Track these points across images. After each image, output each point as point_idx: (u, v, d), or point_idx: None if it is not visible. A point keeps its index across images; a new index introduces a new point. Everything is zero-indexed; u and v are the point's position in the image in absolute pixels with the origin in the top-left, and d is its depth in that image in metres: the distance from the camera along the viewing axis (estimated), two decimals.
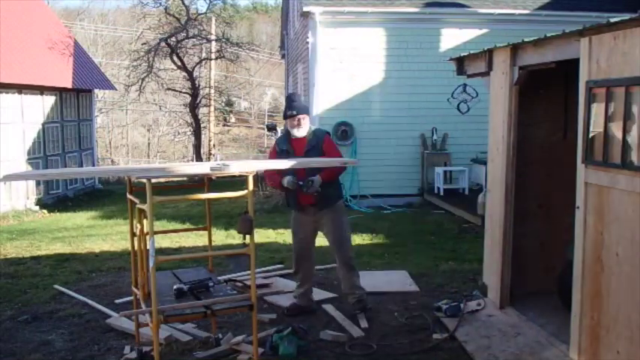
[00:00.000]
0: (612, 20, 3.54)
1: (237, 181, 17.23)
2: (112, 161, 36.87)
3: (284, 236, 9.45)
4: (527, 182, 5.34)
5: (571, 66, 4.21)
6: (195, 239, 9.32)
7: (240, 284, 6.20)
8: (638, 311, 3.42)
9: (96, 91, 23.60)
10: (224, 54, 23.31)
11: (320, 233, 5.52)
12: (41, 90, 18.40)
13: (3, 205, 16.33)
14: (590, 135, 3.89)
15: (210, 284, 4.32)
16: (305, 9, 11.96)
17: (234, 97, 41.80)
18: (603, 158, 3.75)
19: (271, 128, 47.94)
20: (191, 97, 23.19)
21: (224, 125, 43.37)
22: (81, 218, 14.07)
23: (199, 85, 24.22)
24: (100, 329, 5.31)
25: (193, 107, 23.30)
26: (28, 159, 17.77)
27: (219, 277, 5.16)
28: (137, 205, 4.13)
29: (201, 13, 23.48)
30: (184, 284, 4.28)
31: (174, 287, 4.23)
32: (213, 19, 25.49)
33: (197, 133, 23.75)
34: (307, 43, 12.51)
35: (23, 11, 20.00)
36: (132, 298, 5.03)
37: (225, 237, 9.49)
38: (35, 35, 19.57)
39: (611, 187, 3.66)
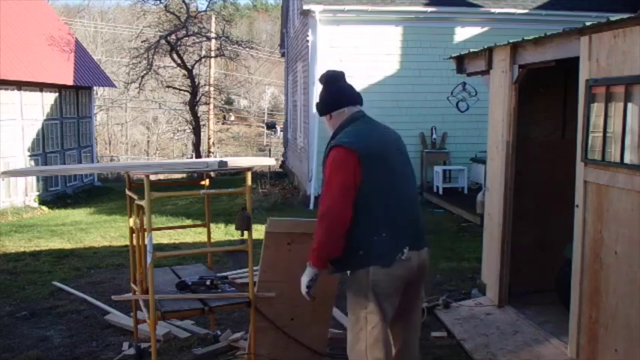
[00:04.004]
0: (612, 19, 3.54)
1: (237, 180, 17.25)
2: (112, 159, 36.87)
3: None
4: (526, 181, 5.34)
5: (571, 64, 4.22)
6: (194, 236, 9.33)
7: (239, 281, 6.21)
8: (637, 309, 3.43)
9: (95, 88, 23.59)
10: (224, 52, 23.30)
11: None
12: (41, 87, 18.39)
13: (2, 202, 16.33)
14: (590, 133, 3.90)
15: (208, 282, 4.30)
16: (305, 7, 11.94)
17: (233, 95, 41.81)
18: (602, 157, 3.75)
19: (271, 127, 47.77)
20: (191, 95, 23.18)
21: (223, 123, 43.40)
22: (80, 215, 14.06)
23: (199, 83, 24.22)
24: (99, 325, 5.31)
25: (193, 105, 23.30)
26: (27, 156, 17.76)
27: (217, 275, 5.16)
28: (136, 202, 4.13)
29: (201, 11, 23.49)
30: (189, 280, 4.27)
31: (177, 282, 4.24)
32: (213, 16, 25.48)
33: (196, 131, 23.75)
34: (307, 41, 12.50)
35: (24, 8, 19.98)
36: (130, 295, 5.03)
37: (224, 234, 9.49)
38: (35, 32, 19.55)
39: (610, 186, 3.66)
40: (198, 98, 23.63)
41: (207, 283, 4.22)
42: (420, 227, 3.31)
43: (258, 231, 9.33)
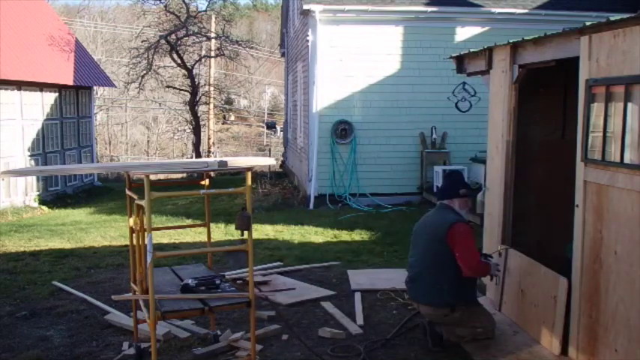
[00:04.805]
0: (612, 19, 3.54)
1: (237, 180, 17.25)
2: (112, 159, 36.88)
3: (282, 234, 9.46)
4: (526, 181, 5.34)
5: (571, 64, 4.21)
6: (194, 236, 9.33)
7: (239, 281, 6.22)
8: (637, 309, 3.43)
9: (95, 88, 23.59)
10: (224, 52, 23.31)
11: None
12: (40, 87, 18.39)
13: (2, 202, 16.33)
14: (590, 133, 3.90)
15: (217, 281, 4.31)
16: (305, 7, 11.94)
17: (233, 95, 41.82)
18: (602, 156, 3.75)
19: (270, 126, 47.72)
20: (190, 94, 23.19)
21: (223, 123, 43.41)
22: (80, 215, 14.06)
23: (199, 83, 24.23)
24: (99, 325, 5.31)
25: (193, 105, 23.30)
26: (27, 156, 17.76)
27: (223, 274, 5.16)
28: (136, 201, 4.13)
29: (201, 11, 23.50)
30: (192, 280, 4.27)
31: (181, 284, 4.25)
32: (213, 16, 25.50)
33: (196, 130, 23.76)
34: (307, 41, 12.50)
35: (24, 8, 19.99)
36: (130, 295, 5.03)
37: (224, 234, 9.49)
38: (35, 32, 19.55)
39: (610, 186, 3.66)
40: (198, 98, 23.64)
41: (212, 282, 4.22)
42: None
43: (258, 231, 9.34)
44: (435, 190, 11.88)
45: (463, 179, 4.98)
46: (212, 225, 5.83)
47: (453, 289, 4.49)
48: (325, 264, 7.32)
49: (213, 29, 25.51)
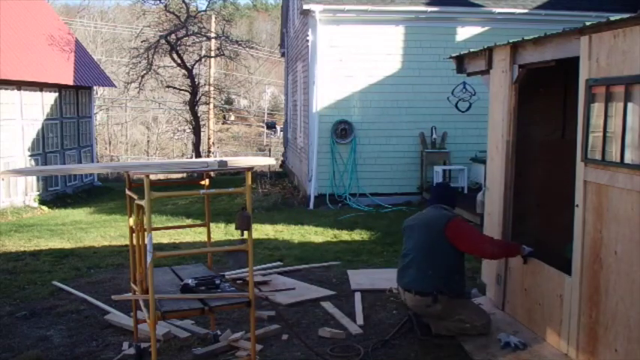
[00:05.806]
0: (612, 19, 3.54)
1: (237, 180, 17.26)
2: (112, 159, 36.89)
3: (282, 234, 9.46)
4: (526, 181, 5.34)
5: (571, 64, 4.22)
6: (194, 236, 9.33)
7: (239, 281, 6.22)
8: (637, 309, 3.43)
9: (95, 88, 23.58)
10: (224, 52, 23.31)
11: None
12: (41, 87, 18.38)
13: (2, 202, 16.32)
14: (590, 133, 3.90)
15: (217, 281, 4.30)
16: (305, 7, 11.95)
17: (233, 95, 41.83)
18: (602, 156, 3.75)
19: (271, 126, 47.69)
20: (190, 94, 23.20)
21: (223, 123, 43.41)
22: (80, 215, 14.07)
23: (199, 83, 24.23)
24: (99, 325, 5.31)
25: (193, 105, 23.31)
26: (27, 156, 17.76)
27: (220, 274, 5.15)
28: (136, 201, 4.13)
29: (201, 11, 23.51)
30: (192, 280, 4.26)
31: (181, 284, 4.25)
32: (213, 16, 25.50)
33: (196, 130, 23.76)
34: (307, 41, 12.50)
35: (24, 8, 19.98)
36: (130, 295, 5.02)
37: (224, 234, 9.49)
38: (35, 32, 19.54)
39: (610, 186, 3.66)
40: (198, 98, 23.65)
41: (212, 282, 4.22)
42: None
43: (258, 231, 9.34)
44: None
45: (453, 192, 5.57)
46: (212, 225, 5.83)
47: (440, 277, 4.68)
48: (325, 264, 7.32)
49: (213, 29, 25.51)
